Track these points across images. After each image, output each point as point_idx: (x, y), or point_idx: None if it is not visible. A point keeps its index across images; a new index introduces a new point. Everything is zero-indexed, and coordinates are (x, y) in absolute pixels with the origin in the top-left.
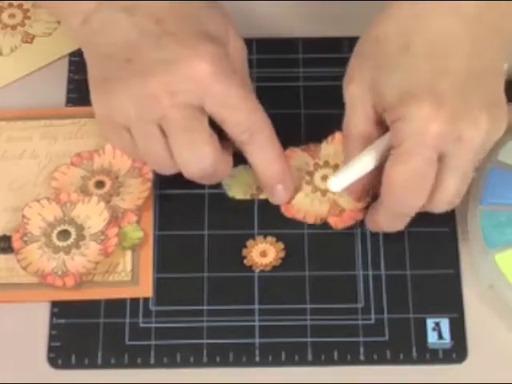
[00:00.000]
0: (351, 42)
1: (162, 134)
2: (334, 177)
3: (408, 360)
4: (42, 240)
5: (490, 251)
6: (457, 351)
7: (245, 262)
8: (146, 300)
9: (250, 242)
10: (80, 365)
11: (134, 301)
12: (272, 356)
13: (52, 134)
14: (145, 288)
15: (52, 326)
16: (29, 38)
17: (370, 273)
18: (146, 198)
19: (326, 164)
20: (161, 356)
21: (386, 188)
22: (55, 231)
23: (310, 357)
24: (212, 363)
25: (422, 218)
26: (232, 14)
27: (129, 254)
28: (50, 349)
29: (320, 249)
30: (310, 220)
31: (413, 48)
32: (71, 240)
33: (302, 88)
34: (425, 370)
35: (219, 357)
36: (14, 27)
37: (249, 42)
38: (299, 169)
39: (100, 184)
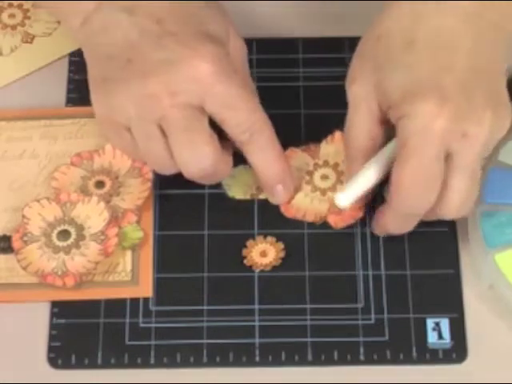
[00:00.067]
0: (351, 41)
1: (162, 134)
2: (342, 193)
3: (408, 360)
4: (41, 240)
5: (490, 251)
6: (457, 351)
7: (245, 262)
8: (145, 300)
9: (249, 242)
10: (80, 365)
11: (134, 301)
12: (272, 356)
13: (52, 134)
14: (145, 288)
15: (52, 326)
16: (29, 38)
17: (370, 273)
18: (145, 198)
19: (326, 163)
20: (161, 356)
21: (394, 188)
22: (55, 231)
23: (310, 357)
24: (212, 363)
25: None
26: (232, 13)
27: (129, 254)
28: (50, 349)
29: (320, 249)
30: (310, 218)
31: (415, 45)
32: (71, 240)
33: (301, 88)
34: (425, 369)
35: (219, 357)
36: (14, 27)
37: (249, 42)
38: (299, 169)
39: (100, 184)
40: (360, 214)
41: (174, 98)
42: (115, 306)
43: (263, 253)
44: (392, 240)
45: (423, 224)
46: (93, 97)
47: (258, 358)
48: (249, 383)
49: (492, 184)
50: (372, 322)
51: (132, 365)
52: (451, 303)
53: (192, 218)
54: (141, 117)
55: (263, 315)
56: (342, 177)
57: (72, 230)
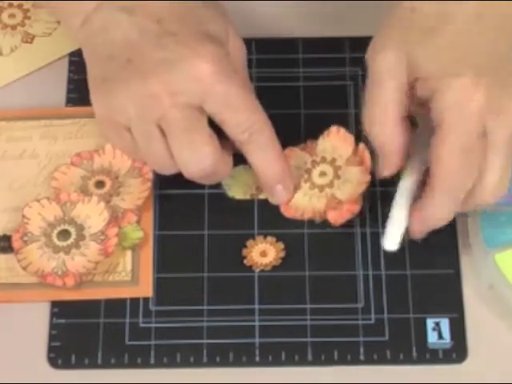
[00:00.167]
0: (351, 41)
1: (162, 134)
2: (386, 238)
3: (408, 360)
4: (42, 240)
5: (490, 251)
6: (457, 351)
7: (245, 261)
8: (145, 300)
9: (249, 242)
10: (80, 365)
11: (134, 301)
12: (272, 356)
13: (52, 134)
14: (145, 288)
15: (52, 326)
16: (29, 38)
17: (370, 273)
18: (145, 198)
19: (323, 160)
20: (161, 356)
21: (434, 168)
22: (55, 231)
23: (309, 357)
24: (212, 363)
25: None
26: (232, 13)
27: (129, 253)
28: (50, 349)
29: (320, 249)
30: (308, 215)
31: (451, 19)
32: (71, 240)
33: (302, 88)
34: (425, 370)
35: (219, 357)
36: (14, 27)
37: (249, 42)
38: (298, 168)
39: (100, 184)
40: (358, 208)
41: (174, 97)
42: (115, 306)
43: (263, 253)
44: None
45: None
46: (93, 97)
47: (258, 358)
48: (249, 383)
49: None
50: (372, 321)
51: (132, 365)
52: (451, 303)
53: (192, 218)
54: (141, 117)
55: (263, 315)
56: (340, 171)
57: (72, 230)
